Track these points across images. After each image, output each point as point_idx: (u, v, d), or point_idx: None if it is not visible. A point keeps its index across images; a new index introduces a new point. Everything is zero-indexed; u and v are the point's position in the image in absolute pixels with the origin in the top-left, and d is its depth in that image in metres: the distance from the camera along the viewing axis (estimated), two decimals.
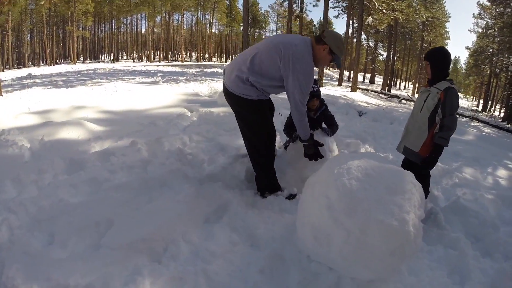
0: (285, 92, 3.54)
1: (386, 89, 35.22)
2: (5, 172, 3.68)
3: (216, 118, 7.41)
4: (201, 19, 77.53)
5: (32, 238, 2.56)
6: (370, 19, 27.53)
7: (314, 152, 3.79)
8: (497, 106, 47.42)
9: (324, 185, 2.54)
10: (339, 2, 39.12)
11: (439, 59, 3.70)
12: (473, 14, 43.58)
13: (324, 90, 18.96)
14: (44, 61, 56.52)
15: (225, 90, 3.59)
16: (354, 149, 5.98)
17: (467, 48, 47.88)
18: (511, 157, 9.86)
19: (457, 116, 3.73)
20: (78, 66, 39.30)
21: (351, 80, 29.33)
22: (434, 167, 5.72)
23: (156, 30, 69.89)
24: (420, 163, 3.80)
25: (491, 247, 3.50)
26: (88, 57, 67.68)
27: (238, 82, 3.40)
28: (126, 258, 2.46)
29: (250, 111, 3.52)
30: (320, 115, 4.60)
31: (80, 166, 4.02)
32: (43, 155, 4.41)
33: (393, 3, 25.72)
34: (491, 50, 40.82)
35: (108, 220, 2.82)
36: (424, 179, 3.76)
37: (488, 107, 46.13)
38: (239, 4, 67.96)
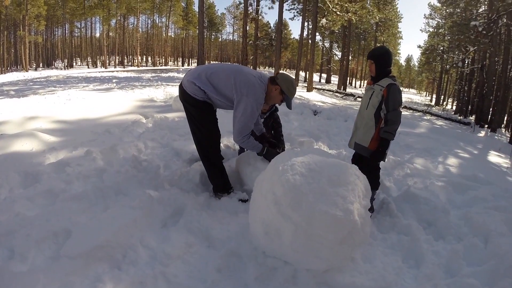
0: None
1: (342, 88, 36.01)
2: None
3: (170, 124, 7.47)
4: (157, 22, 76.17)
5: None
6: (324, 20, 28.13)
7: (277, 153, 3.97)
8: (449, 100, 49.70)
9: (270, 182, 2.66)
10: (294, 4, 39.49)
11: (382, 57, 3.89)
12: (424, 14, 45.89)
13: None
14: None
15: (180, 87, 3.87)
16: (307, 147, 6.12)
17: (419, 46, 50.17)
18: (461, 146, 10.67)
19: (401, 110, 3.91)
20: (31, 74, 37.74)
21: (307, 80, 29.81)
22: (386, 160, 5.92)
23: (111, 34, 67.56)
24: (369, 156, 3.96)
25: (443, 230, 3.77)
26: (41, 64, 64.85)
27: (192, 85, 3.68)
28: (86, 266, 2.49)
29: (196, 108, 3.76)
30: (270, 115, 5.00)
31: (35, 178, 3.98)
32: None
33: (346, 5, 26.33)
34: (441, 48, 42.91)
35: (66, 230, 2.83)
36: (373, 171, 4.07)
37: (441, 101, 48.43)
38: (195, 7, 67.56)
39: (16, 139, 5.42)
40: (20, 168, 4.24)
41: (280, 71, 4.19)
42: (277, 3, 27.32)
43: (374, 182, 4.03)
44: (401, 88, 3.98)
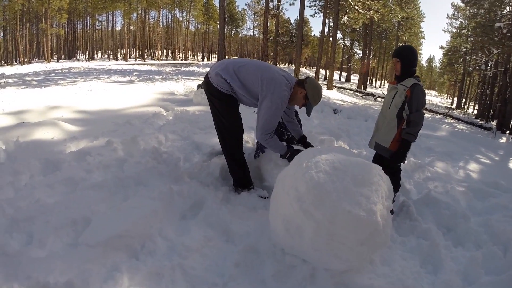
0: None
1: (362, 87, 35.66)
2: None
3: (191, 117, 7.47)
4: (178, 16, 76.44)
5: (10, 239, 2.55)
6: (345, 18, 27.95)
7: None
8: (470, 104, 48.51)
9: (294, 178, 2.62)
10: (315, 1, 39.18)
11: (408, 56, 3.79)
12: (447, 14, 44.95)
13: None
14: (18, 60, 54.87)
15: (206, 78, 3.83)
16: (327, 145, 6.02)
17: (441, 47, 48.68)
18: (482, 151, 10.27)
19: (424, 112, 3.82)
20: (53, 65, 38.41)
21: (327, 78, 29.61)
22: (407, 162, 5.90)
23: (132, 27, 68.41)
24: (389, 157, 3.89)
25: (463, 237, 3.67)
26: (63, 56, 66.05)
27: (218, 77, 3.63)
28: (104, 255, 2.49)
29: (221, 101, 3.71)
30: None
31: (56, 166, 4.01)
32: (19, 157, 4.33)
33: (368, 3, 26.13)
34: (464, 49, 41.51)
35: (85, 218, 2.84)
36: (394, 173, 3.91)
37: (462, 104, 47.14)
38: (216, 2, 67.37)
39: (38, 127, 5.49)
40: (41, 155, 4.30)
41: (309, 76, 4.14)
42: (298, 0, 27.05)
43: (394, 183, 3.89)
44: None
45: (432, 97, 61.75)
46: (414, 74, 3.83)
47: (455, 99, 53.57)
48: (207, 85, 3.80)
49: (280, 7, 31.59)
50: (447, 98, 68.03)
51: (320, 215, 2.40)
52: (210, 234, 3.04)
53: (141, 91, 11.06)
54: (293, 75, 20.14)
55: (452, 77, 52.99)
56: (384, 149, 3.93)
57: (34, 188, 3.40)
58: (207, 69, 23.92)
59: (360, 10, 26.16)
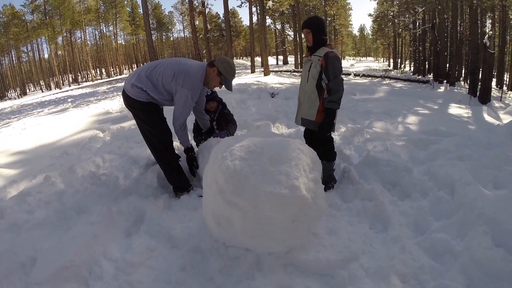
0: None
1: (300, 67, 36.19)
2: None
3: (127, 133, 7.46)
4: (105, 31, 73.99)
5: None
6: (270, 3, 28.23)
7: (189, 164, 4.25)
8: (406, 63, 50.28)
9: (212, 171, 2.65)
10: None
11: (318, 25, 3.80)
12: None
13: (237, 80, 19.15)
14: None
15: (123, 93, 3.89)
16: (264, 129, 6.14)
17: (370, 15, 50.25)
18: (421, 103, 10.86)
19: (342, 77, 3.80)
20: None
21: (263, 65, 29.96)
22: (344, 129, 6.26)
23: (59, 52, 65.68)
24: (318, 129, 3.91)
25: (408, 189, 3.81)
26: None
27: (134, 87, 3.71)
28: None
29: (143, 111, 3.80)
30: (219, 116, 5.03)
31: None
32: None
33: None
34: (392, 13, 42.96)
35: (32, 258, 2.84)
36: (326, 143, 4.06)
37: (399, 65, 49.01)
38: (142, 10, 66.46)
39: None
40: None
41: (219, 55, 4.27)
42: None
43: (330, 153, 4.08)
44: (340, 56, 3.99)
45: (369, 63, 63.34)
46: (326, 43, 3.85)
47: (391, 61, 55.43)
48: (126, 99, 3.85)
49: (205, 4, 31.38)
50: (383, 61, 70.01)
51: (243, 201, 2.41)
52: (152, 244, 3.07)
53: (76, 117, 10.72)
54: None
55: (384, 41, 54.73)
56: (311, 122, 3.95)
57: None
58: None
59: None
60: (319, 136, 3.98)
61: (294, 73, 28.12)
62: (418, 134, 6.08)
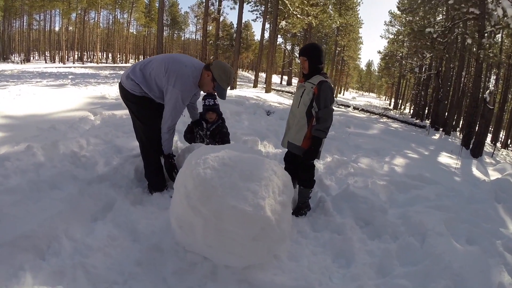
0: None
1: None
2: None
3: (117, 121, 7.46)
4: (119, 18, 74.00)
5: None
6: (283, 23, 28.46)
7: (168, 170, 4.12)
8: (407, 105, 51.24)
9: (183, 176, 2.69)
10: (257, 6, 39.81)
11: (315, 53, 3.84)
12: (385, 21, 46.90)
13: (238, 92, 19.31)
14: None
15: (119, 84, 3.90)
16: (250, 145, 6.16)
17: (379, 52, 51.20)
18: (413, 147, 10.83)
19: (333, 108, 3.87)
20: None
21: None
22: (330, 159, 6.23)
23: (70, 28, 65.27)
24: (302, 155, 3.93)
25: (380, 229, 3.79)
26: None
27: (129, 80, 3.72)
28: (11, 255, 2.57)
29: (136, 104, 3.81)
30: (215, 128, 5.00)
31: None
32: None
33: (307, 9, 26.70)
34: (400, 54, 43.92)
35: None
36: (308, 170, 4.09)
37: (399, 105, 49.88)
38: (158, 5, 66.72)
39: None
40: None
41: (217, 59, 4.17)
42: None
43: (309, 181, 4.12)
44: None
45: (371, 99, 63.81)
46: (321, 71, 3.89)
47: (393, 100, 56.06)
48: (122, 91, 3.86)
49: (221, 11, 31.70)
50: (385, 99, 70.79)
51: (207, 211, 2.45)
52: (115, 234, 3.10)
53: (72, 95, 10.68)
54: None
55: (389, 80, 55.17)
56: (297, 147, 3.98)
57: None
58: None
59: (298, 16, 26.69)
60: (302, 161, 4.03)
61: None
62: (402, 176, 6.07)
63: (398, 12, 39.84)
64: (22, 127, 6.44)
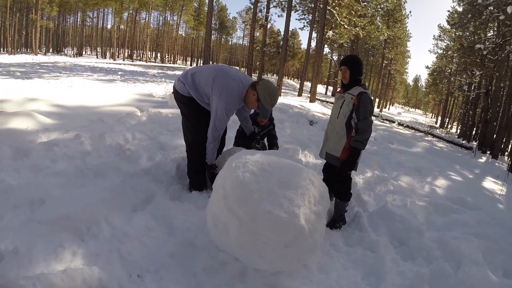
0: None
1: None
2: None
3: (163, 119, 7.64)
4: (169, 19, 76.37)
5: None
6: (330, 33, 28.27)
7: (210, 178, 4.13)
8: (454, 124, 48.72)
9: (223, 177, 2.73)
10: (304, 14, 39.84)
11: (357, 65, 3.83)
12: (434, 35, 45.46)
13: (282, 99, 19.29)
14: (5, 49, 54.36)
15: (173, 87, 4.07)
16: (291, 154, 6.10)
17: (427, 67, 49.26)
18: (457, 169, 10.17)
19: (372, 119, 3.81)
20: (39, 58, 38.07)
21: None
22: (370, 174, 6.11)
23: (122, 27, 68.11)
24: (340, 166, 3.89)
25: (414, 252, 3.63)
26: (51, 49, 65.51)
27: (180, 83, 3.91)
28: (52, 232, 2.71)
29: (184, 105, 3.96)
30: (266, 133, 5.11)
31: (25, 153, 4.26)
32: None
33: (354, 20, 26.44)
34: (449, 70, 42.38)
35: (41, 200, 3.11)
36: (344, 182, 4.03)
37: (446, 124, 47.63)
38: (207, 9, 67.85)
39: (14, 117, 5.73)
40: (13, 143, 4.55)
41: (264, 77, 4.17)
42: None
43: (345, 193, 4.06)
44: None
45: (417, 115, 61.99)
46: (361, 82, 3.88)
47: (439, 118, 54.24)
48: (174, 93, 4.02)
49: (269, 18, 31.87)
50: (431, 117, 68.68)
51: (243, 213, 2.47)
52: (152, 225, 3.19)
53: (121, 90, 11.12)
54: (276, 84, 20.38)
55: (437, 96, 53.46)
56: (335, 158, 3.94)
57: (1, 170, 3.73)
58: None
59: (346, 26, 26.44)
60: (339, 173, 3.98)
61: None
62: (442, 199, 5.80)
63: (448, 27, 38.73)
64: (72, 116, 6.75)
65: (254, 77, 33.30)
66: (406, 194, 5.56)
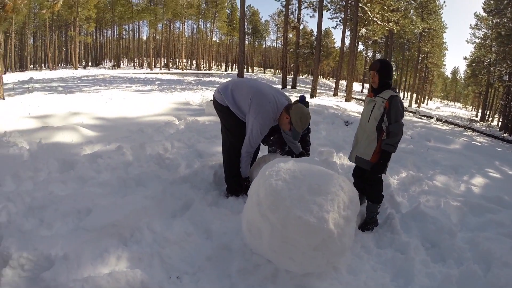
0: None
1: None
2: (6, 169, 4.26)
3: (200, 127, 7.84)
4: (202, 27, 78.13)
5: (25, 221, 3.16)
6: (363, 30, 27.89)
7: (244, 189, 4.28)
8: (495, 116, 45.97)
9: (257, 184, 2.87)
10: (337, 13, 39.44)
11: (385, 69, 3.85)
12: (470, 25, 43.54)
13: (317, 100, 19.24)
14: (46, 65, 57.22)
15: (213, 97, 4.31)
16: (325, 157, 6.13)
17: (465, 58, 47.93)
18: (496, 165, 9.52)
19: (403, 122, 3.79)
20: (79, 72, 39.79)
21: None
22: (405, 174, 5.99)
23: (157, 37, 70.50)
24: (370, 169, 3.90)
25: (445, 253, 3.59)
26: (90, 62, 68.31)
27: (218, 94, 4.14)
28: (98, 239, 2.97)
29: (223, 113, 4.15)
30: (301, 138, 5.11)
31: (71, 166, 4.58)
32: (40, 156, 4.96)
33: (387, 15, 25.93)
34: (488, 60, 40.93)
35: (88, 209, 3.37)
36: (375, 185, 4.02)
37: (486, 117, 45.22)
38: (239, 15, 68.28)
39: (59, 131, 6.08)
40: (59, 156, 4.90)
41: (297, 103, 4.20)
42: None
43: (376, 195, 4.07)
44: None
45: (456, 109, 59.30)
46: (391, 86, 3.89)
47: (480, 111, 51.91)
48: (214, 101, 4.26)
49: (301, 19, 31.72)
50: (472, 110, 65.94)
51: (275, 219, 2.60)
52: (191, 230, 3.41)
53: (159, 100, 11.52)
54: (311, 86, 20.31)
55: (476, 88, 51.25)
56: (365, 161, 3.95)
57: (49, 182, 4.03)
58: (229, 79, 24.53)
59: (379, 22, 25.97)
60: (370, 176, 4.00)
61: None
62: (478, 198, 5.56)
63: (484, 14, 37.26)
64: (114, 128, 7.05)
65: (289, 79, 33.29)
66: (440, 194, 5.42)
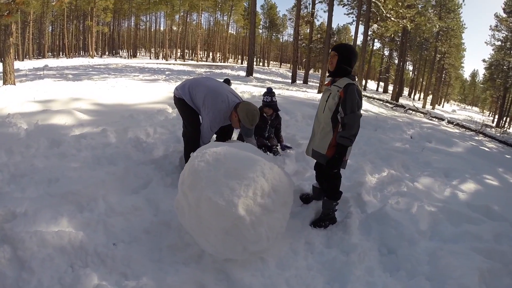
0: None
1: (396, 99, 33.83)
2: (2, 145, 4.78)
3: None
4: (219, 19, 78.48)
5: (6, 186, 3.79)
6: (375, 26, 27.69)
7: None
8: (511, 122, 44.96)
9: (186, 166, 3.07)
10: (352, 9, 39.34)
11: (347, 53, 3.56)
12: (490, 26, 41.89)
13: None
14: (64, 53, 58.64)
15: (174, 95, 4.74)
16: (302, 150, 5.95)
17: (484, 61, 46.81)
18: (498, 172, 8.53)
19: (361, 113, 3.47)
20: (95, 60, 40.57)
21: None
22: (386, 173, 5.72)
23: (174, 28, 71.23)
24: (326, 164, 3.67)
25: (401, 262, 3.28)
26: (107, 52, 69.73)
27: (176, 90, 4.62)
28: (59, 204, 3.47)
29: (179, 105, 4.58)
30: (276, 117, 6.01)
31: (57, 144, 5.07)
32: (34, 135, 5.46)
33: (401, 11, 25.50)
34: (506, 63, 39.78)
35: (57, 179, 3.91)
36: (331, 180, 3.82)
37: (502, 122, 43.78)
38: (258, 7, 68.09)
39: (56, 114, 6.60)
40: (50, 136, 5.38)
41: (245, 101, 4.51)
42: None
43: (333, 192, 3.85)
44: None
45: (473, 113, 57.52)
46: (349, 73, 3.58)
47: (497, 116, 49.82)
48: (174, 98, 4.68)
49: (314, 14, 31.73)
50: (489, 115, 64.50)
51: (192, 198, 2.76)
52: (140, 205, 3.74)
53: (160, 89, 11.85)
54: (319, 81, 20.47)
55: (494, 93, 49.34)
56: (321, 155, 3.73)
57: (34, 157, 4.59)
58: (240, 72, 24.83)
59: (393, 18, 25.53)
60: (326, 171, 3.76)
61: (386, 104, 26.83)
62: (462, 206, 4.96)
63: (504, 15, 36.57)
64: (108, 113, 7.50)
65: (301, 73, 33.39)
66: (417, 197, 4.92)
